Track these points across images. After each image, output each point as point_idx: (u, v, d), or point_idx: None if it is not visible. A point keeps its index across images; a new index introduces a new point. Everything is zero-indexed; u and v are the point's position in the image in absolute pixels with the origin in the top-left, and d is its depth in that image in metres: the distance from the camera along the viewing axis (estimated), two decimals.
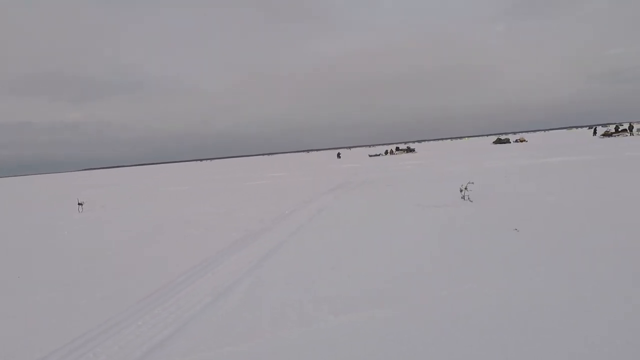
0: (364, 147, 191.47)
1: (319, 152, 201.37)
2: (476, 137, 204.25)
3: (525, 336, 3.13)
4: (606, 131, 43.97)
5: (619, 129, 41.06)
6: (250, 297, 4.54)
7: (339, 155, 54.62)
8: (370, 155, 49.74)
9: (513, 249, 5.37)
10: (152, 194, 20.73)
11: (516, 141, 53.08)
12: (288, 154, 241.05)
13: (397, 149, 52.68)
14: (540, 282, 4.18)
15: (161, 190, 22.99)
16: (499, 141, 53.71)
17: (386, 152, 50.85)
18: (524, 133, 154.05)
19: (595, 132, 47.50)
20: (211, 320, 3.96)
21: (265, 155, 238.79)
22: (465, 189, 9.69)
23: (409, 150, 51.58)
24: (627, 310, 3.41)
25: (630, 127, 40.13)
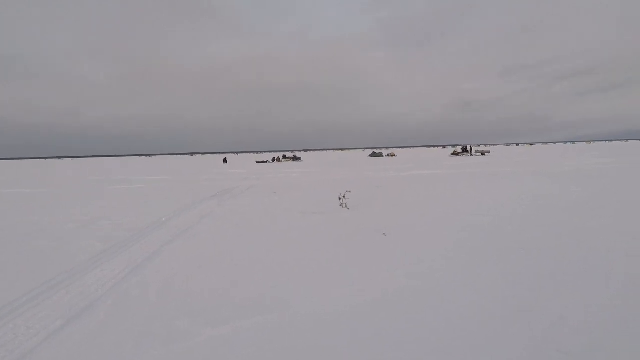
0: (251, 154, 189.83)
1: (204, 155, 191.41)
2: (355, 150, 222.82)
3: (375, 327, 3.56)
4: (454, 151, 53.52)
5: (464, 150, 51.07)
6: (114, 315, 4.05)
7: (225, 160, 52.84)
8: (257, 162, 49.70)
9: (381, 252, 6.03)
10: None
11: (387, 155, 60.03)
12: (170, 156, 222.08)
13: (284, 156, 53.91)
14: (403, 278, 4.79)
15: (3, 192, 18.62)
16: (374, 154, 59.76)
17: (273, 160, 51.51)
18: (394, 148, 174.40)
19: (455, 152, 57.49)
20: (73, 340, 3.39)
21: (144, 157, 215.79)
22: (344, 197, 10.48)
23: (296, 158, 53.24)
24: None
25: (470, 149, 50.49)
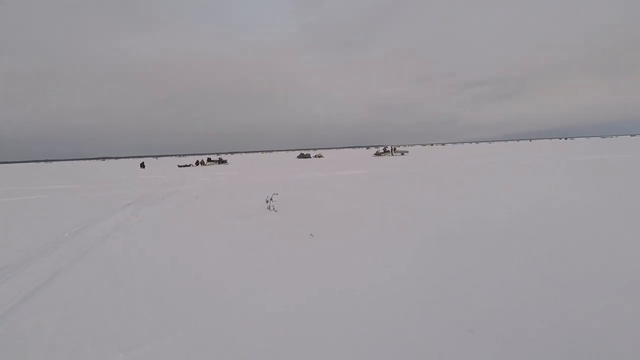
0: (173, 157, 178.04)
1: (118, 160, 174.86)
2: (283, 152, 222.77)
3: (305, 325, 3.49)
4: (377, 152, 56.53)
5: (385, 150, 54.38)
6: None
7: (142, 165, 48.69)
8: (179, 166, 46.73)
9: (308, 251, 5.99)
10: None
11: (315, 156, 61.01)
12: (78, 161, 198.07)
13: (209, 159, 51.54)
14: (332, 277, 4.78)
15: None
16: (302, 156, 60.28)
17: (197, 163, 48.96)
18: (321, 150, 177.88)
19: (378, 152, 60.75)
20: None
21: (42, 163, 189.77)
22: (271, 199, 10.29)
23: (221, 161, 51.28)
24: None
25: (392, 149, 53.97)
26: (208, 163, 49.46)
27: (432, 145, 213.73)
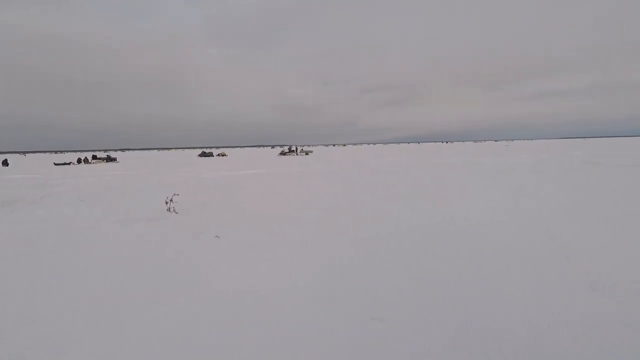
0: (48, 154, 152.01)
1: None
2: (183, 150, 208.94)
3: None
4: (282, 151, 57.10)
5: (290, 150, 55.42)
6: None
7: (5, 162, 40.21)
8: (56, 164, 40.19)
9: (214, 256, 5.81)
10: None
11: (218, 155, 58.79)
12: None
13: (95, 157, 45.57)
14: (238, 279, 4.73)
15: None
16: (203, 154, 57.40)
17: (79, 161, 42.88)
18: (224, 148, 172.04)
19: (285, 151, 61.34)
20: None
21: None
22: (171, 200, 9.63)
23: (110, 159, 45.79)
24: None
25: (296, 149, 55.39)
26: (94, 161, 43.68)
27: (334, 145, 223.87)
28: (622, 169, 17.94)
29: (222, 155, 57.54)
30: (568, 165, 20.89)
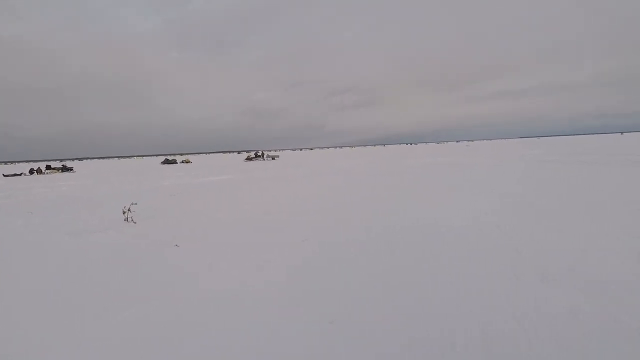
0: None
1: None
2: (145, 157, 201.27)
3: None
4: (248, 156, 56.74)
5: (257, 155, 55.30)
6: None
7: None
8: (5, 175, 37.65)
9: (171, 265, 5.84)
10: None
11: (183, 162, 57.35)
12: None
13: (49, 167, 43.03)
14: (194, 287, 4.82)
15: None
16: (167, 162, 55.73)
17: (32, 172, 40.37)
18: (189, 155, 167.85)
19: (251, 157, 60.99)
20: None
21: None
22: (129, 210, 9.45)
23: (66, 169, 43.42)
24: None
25: (263, 154, 55.41)
26: (48, 171, 41.21)
27: (301, 150, 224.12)
28: (580, 166, 19.42)
29: (187, 162, 56.17)
30: (527, 164, 22.34)
